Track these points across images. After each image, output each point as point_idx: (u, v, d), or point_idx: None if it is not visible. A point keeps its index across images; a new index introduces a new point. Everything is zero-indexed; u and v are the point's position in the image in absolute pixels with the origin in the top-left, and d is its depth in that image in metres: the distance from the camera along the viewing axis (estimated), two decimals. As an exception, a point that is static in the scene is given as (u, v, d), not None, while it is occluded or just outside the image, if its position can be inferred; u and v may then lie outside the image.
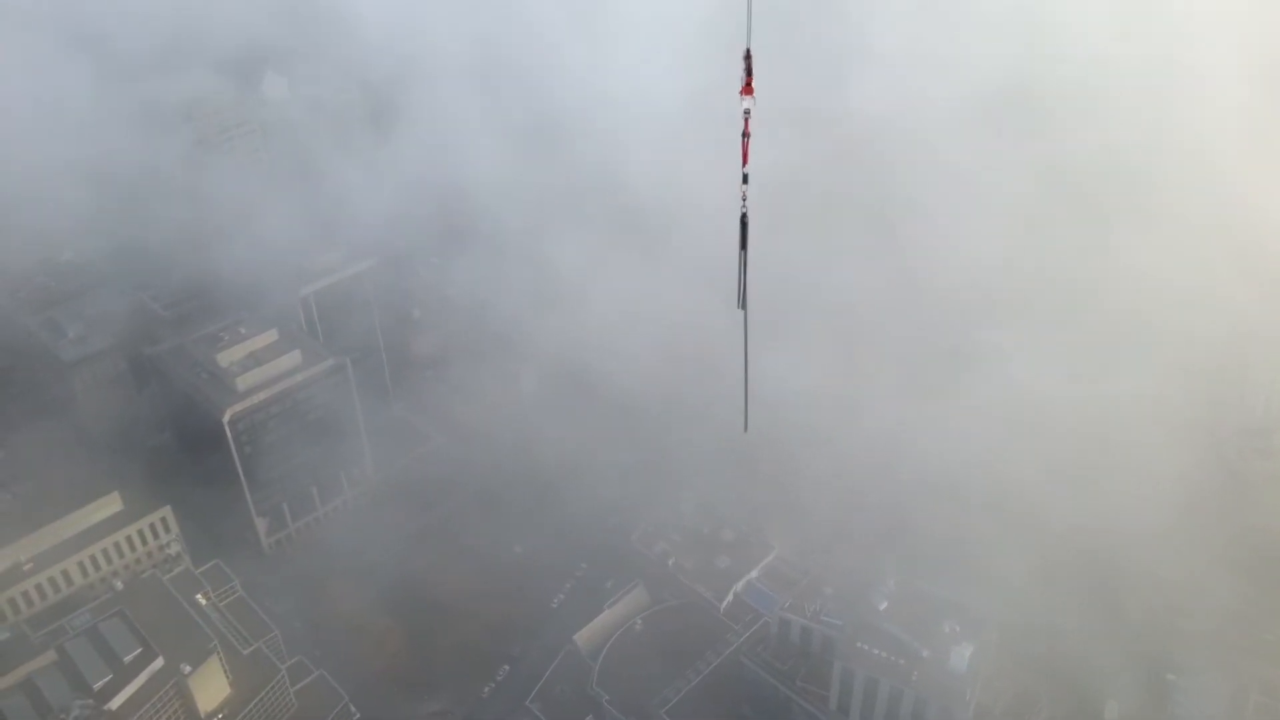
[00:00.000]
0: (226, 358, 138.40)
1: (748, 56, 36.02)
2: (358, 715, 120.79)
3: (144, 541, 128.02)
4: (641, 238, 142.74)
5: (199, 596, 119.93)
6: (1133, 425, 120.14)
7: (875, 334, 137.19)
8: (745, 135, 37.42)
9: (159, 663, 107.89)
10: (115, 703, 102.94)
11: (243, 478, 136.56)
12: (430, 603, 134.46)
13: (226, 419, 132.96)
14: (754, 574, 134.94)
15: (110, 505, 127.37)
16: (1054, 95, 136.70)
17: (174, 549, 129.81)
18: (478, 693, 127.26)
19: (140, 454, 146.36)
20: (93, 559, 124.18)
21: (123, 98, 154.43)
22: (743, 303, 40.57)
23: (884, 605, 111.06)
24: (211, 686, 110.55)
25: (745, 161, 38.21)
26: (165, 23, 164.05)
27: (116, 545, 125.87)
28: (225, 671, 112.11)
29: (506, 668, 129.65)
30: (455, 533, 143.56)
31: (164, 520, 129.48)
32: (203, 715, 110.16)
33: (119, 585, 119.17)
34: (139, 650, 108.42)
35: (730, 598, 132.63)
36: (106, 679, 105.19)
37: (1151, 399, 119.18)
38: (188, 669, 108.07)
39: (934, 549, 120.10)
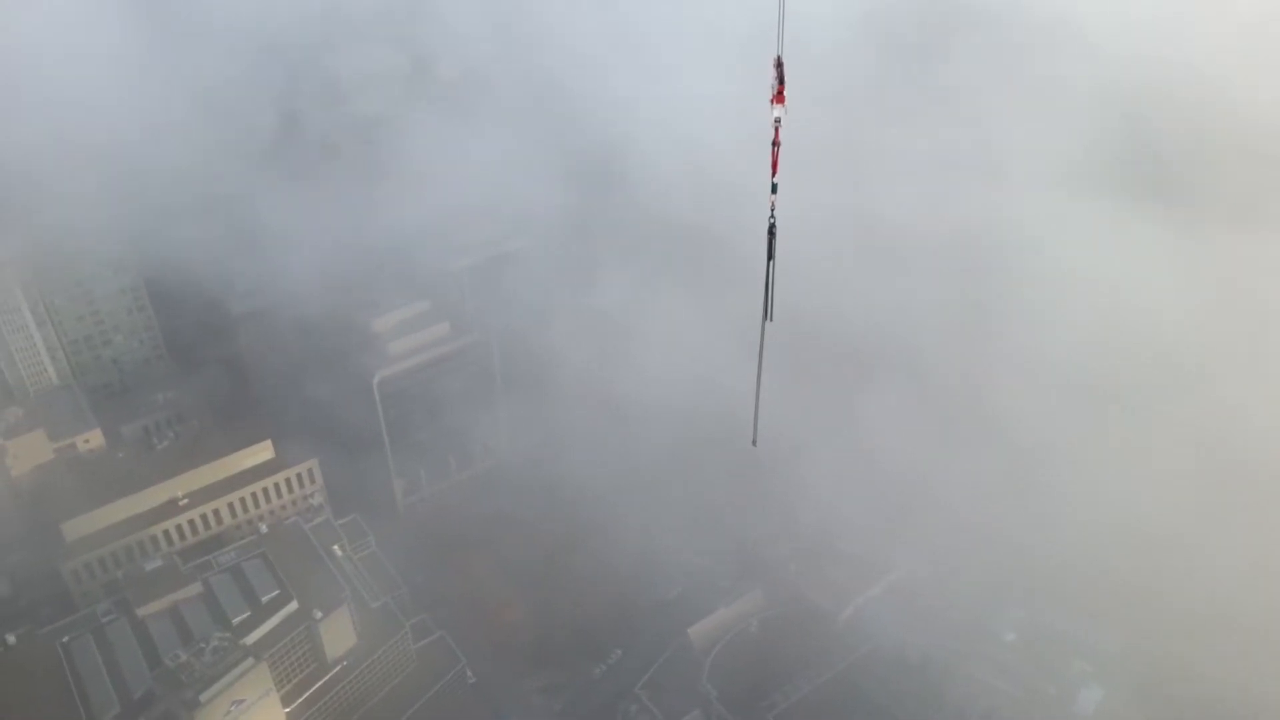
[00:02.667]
0: (381, 323, 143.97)
1: (779, 64, 34.71)
2: (472, 679, 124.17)
3: (290, 490, 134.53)
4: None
5: (335, 547, 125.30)
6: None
7: (1016, 364, 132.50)
8: (775, 144, 36.13)
9: (293, 605, 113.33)
10: (250, 638, 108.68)
11: (386, 439, 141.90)
12: (550, 579, 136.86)
13: (376, 381, 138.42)
14: (876, 590, 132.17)
15: (263, 453, 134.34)
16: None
17: (317, 500, 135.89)
18: (588, 672, 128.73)
19: (294, 408, 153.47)
20: (242, 501, 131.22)
21: (300, 67, 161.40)
22: (769, 315, 39.26)
23: (1010, 636, 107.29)
24: (339, 634, 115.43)
25: (775, 171, 36.98)
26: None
27: (265, 491, 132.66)
28: (353, 621, 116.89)
29: (619, 652, 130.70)
30: (581, 513, 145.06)
31: (310, 472, 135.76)
32: (329, 660, 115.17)
33: (263, 528, 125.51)
34: (276, 592, 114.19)
35: (850, 610, 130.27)
36: (244, 615, 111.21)
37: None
38: (319, 615, 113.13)
39: (1070, 583, 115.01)
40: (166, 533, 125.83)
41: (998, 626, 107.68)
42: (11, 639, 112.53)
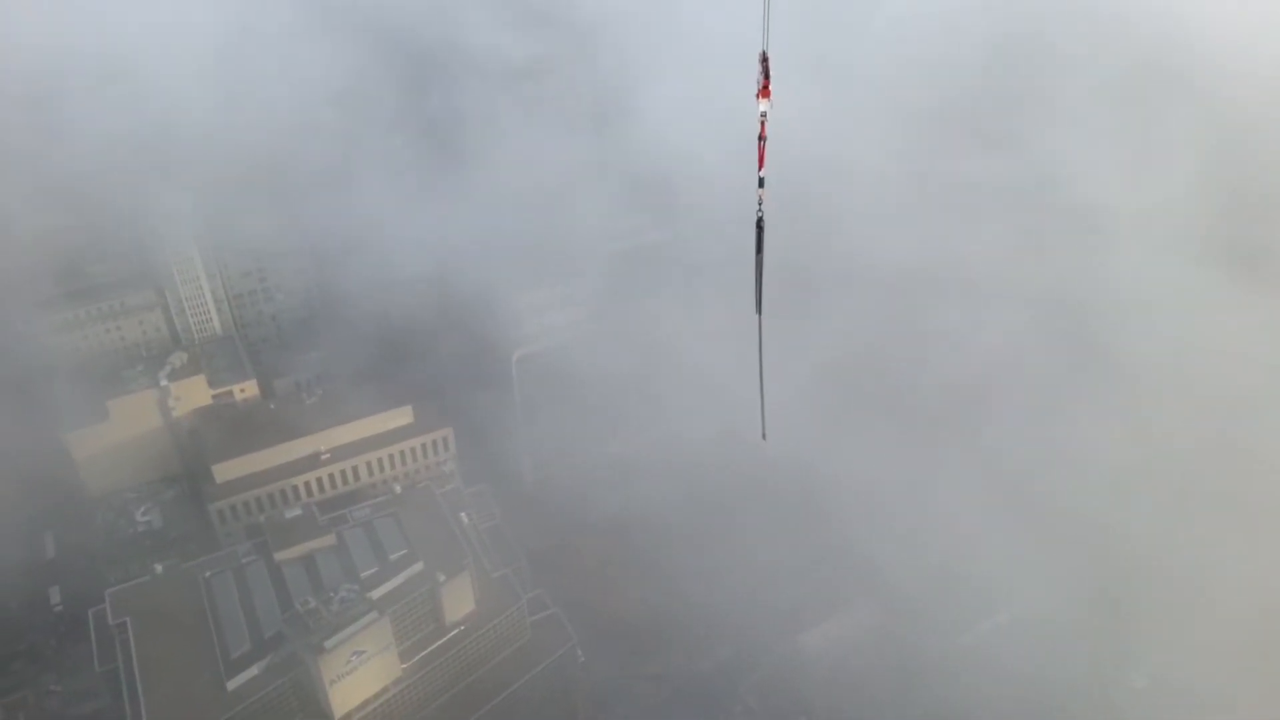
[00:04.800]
0: (525, 301, 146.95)
1: (764, 59, 34.24)
2: (582, 659, 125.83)
3: (425, 455, 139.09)
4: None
5: (463, 515, 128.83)
6: None
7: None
8: (761, 139, 35.85)
9: (419, 566, 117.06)
10: (377, 593, 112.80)
11: (519, 415, 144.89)
12: (666, 570, 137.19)
13: (515, 358, 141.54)
14: (1000, 619, 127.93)
15: (402, 417, 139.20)
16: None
17: (449, 467, 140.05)
18: (696, 667, 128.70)
19: (435, 376, 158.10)
20: (379, 461, 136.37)
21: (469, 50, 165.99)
22: (759, 308, 39.76)
23: (1141, 683, 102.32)
24: (459, 599, 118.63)
25: (761, 166, 36.77)
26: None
27: (401, 453, 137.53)
28: (473, 588, 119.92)
29: (728, 650, 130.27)
30: (705, 508, 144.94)
31: (445, 439, 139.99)
32: (447, 623, 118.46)
33: (397, 489, 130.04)
34: (404, 551, 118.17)
35: (970, 637, 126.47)
36: (373, 570, 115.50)
37: None
38: (442, 578, 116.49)
39: (1211, 636, 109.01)
40: (308, 484, 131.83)
41: (1127, 670, 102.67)
42: (159, 569, 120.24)
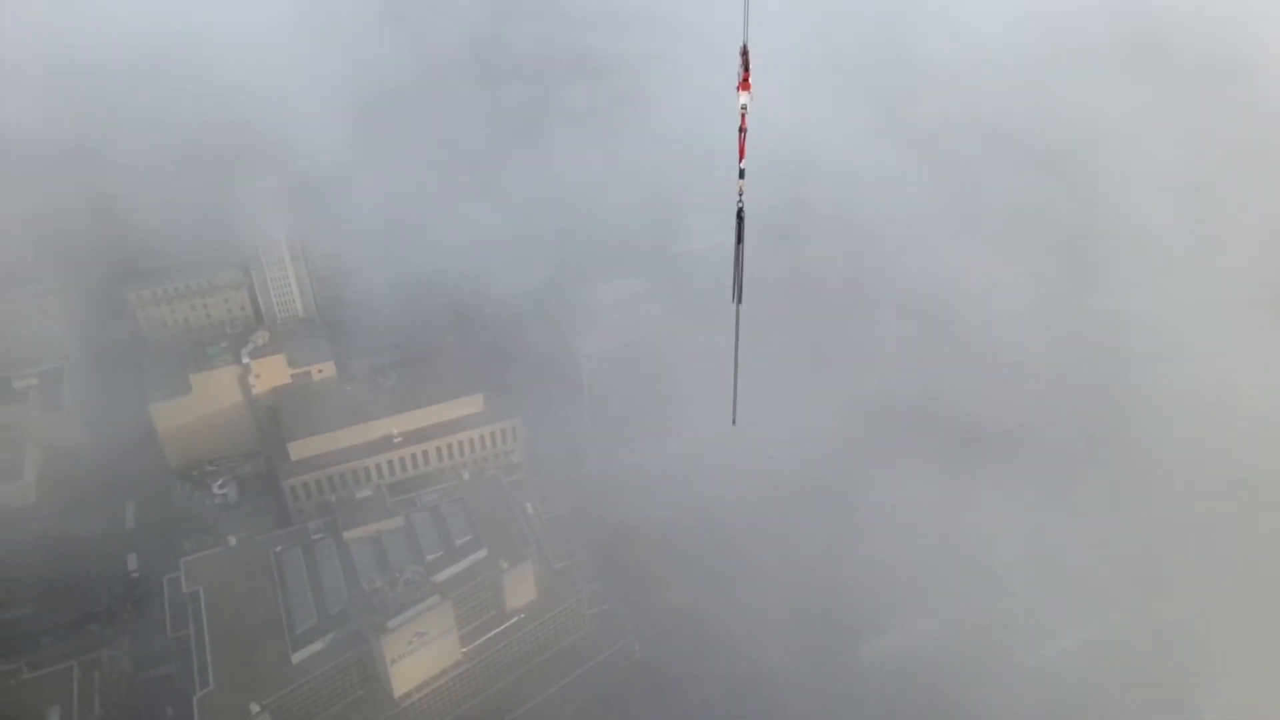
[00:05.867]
0: (596, 298, 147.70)
1: (744, 52, 35.05)
2: (638, 654, 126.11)
3: (494, 443, 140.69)
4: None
5: (527, 505, 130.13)
6: None
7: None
8: (741, 130, 36.61)
9: (483, 553, 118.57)
10: (441, 576, 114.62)
11: (588, 409, 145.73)
12: (725, 570, 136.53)
13: (585, 353, 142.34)
14: (1068, 641, 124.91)
15: (473, 405, 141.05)
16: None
17: (516, 457, 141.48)
18: (751, 671, 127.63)
19: (506, 366, 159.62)
20: (449, 447, 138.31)
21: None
22: (738, 298, 40.34)
23: (1209, 715, 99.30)
24: (521, 587, 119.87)
25: (742, 157, 37.48)
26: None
27: (470, 441, 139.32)
28: (535, 578, 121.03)
29: (784, 654, 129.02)
30: (768, 509, 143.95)
31: (514, 429, 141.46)
32: (507, 611, 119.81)
33: (465, 476, 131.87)
34: (469, 537, 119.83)
35: (1036, 658, 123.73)
36: (438, 554, 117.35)
37: None
38: (505, 566, 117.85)
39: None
40: (379, 466, 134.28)
41: (1196, 703, 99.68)
42: (233, 541, 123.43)
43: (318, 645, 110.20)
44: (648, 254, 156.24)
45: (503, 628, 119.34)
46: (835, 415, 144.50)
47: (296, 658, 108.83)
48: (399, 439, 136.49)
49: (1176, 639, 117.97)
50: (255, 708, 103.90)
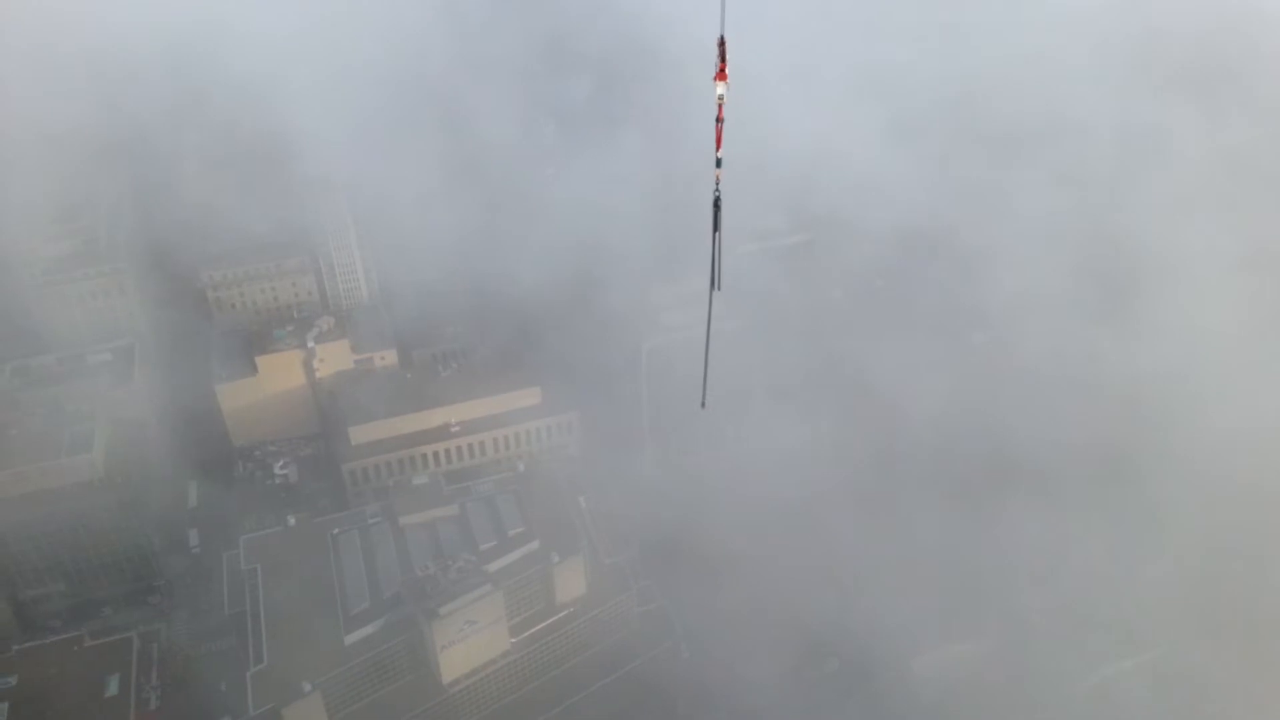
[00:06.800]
0: (656, 295, 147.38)
1: (721, 43, 35.93)
2: (686, 655, 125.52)
3: (550, 436, 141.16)
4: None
5: (581, 499, 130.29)
6: None
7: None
8: (719, 120, 37.21)
9: (535, 545, 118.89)
10: (492, 566, 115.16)
11: (645, 404, 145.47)
12: (778, 573, 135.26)
13: (645, 349, 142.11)
14: (1129, 665, 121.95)
15: (531, 397, 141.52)
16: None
17: (572, 451, 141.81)
18: (800, 676, 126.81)
19: (566, 360, 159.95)
20: (505, 438, 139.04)
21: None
22: (717, 284, 42.05)
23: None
24: (571, 581, 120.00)
25: (719, 146, 38.18)
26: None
27: (527, 433, 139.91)
28: (585, 572, 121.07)
29: (836, 662, 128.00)
30: (824, 516, 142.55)
31: (570, 423, 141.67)
32: (557, 604, 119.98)
33: (520, 467, 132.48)
34: (522, 529, 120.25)
35: (1095, 680, 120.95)
36: (491, 544, 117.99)
37: None
38: (556, 559, 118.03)
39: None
40: (436, 454, 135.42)
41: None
42: (292, 520, 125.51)
43: (370, 628, 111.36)
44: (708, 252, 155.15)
45: (551, 620, 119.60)
46: (883, 431, 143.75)
47: (349, 639, 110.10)
48: (456, 428, 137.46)
49: (1258, 667, 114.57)
50: (307, 686, 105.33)
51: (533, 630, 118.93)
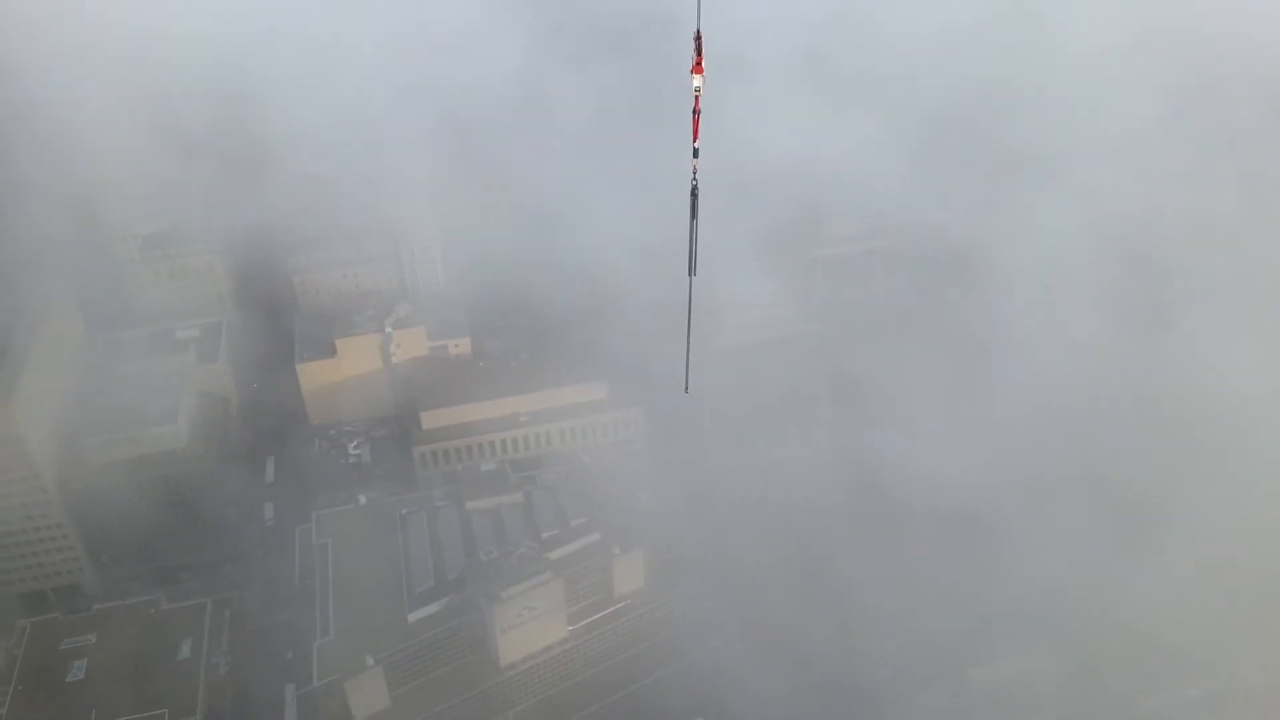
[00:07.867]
0: (729, 298, 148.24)
1: (698, 37, 36.95)
2: (737, 656, 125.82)
3: (614, 430, 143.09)
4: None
5: (643, 493, 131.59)
6: None
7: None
8: (696, 112, 38.62)
9: (595, 536, 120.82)
10: (554, 554, 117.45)
11: (710, 405, 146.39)
12: (830, 579, 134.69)
13: (712, 350, 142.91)
14: (1192, 692, 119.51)
15: (597, 392, 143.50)
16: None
17: (636, 446, 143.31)
18: (851, 684, 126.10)
19: (632, 357, 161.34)
20: (572, 430, 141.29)
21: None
22: (693, 270, 43.39)
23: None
24: (630, 574, 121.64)
25: (696, 137, 39.54)
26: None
27: (593, 426, 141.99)
28: (644, 566, 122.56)
29: (888, 672, 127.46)
30: (885, 524, 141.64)
31: (635, 419, 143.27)
32: (615, 595, 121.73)
33: (585, 460, 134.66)
34: (584, 519, 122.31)
35: (1153, 705, 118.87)
36: (553, 533, 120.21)
37: None
38: (617, 551, 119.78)
39: None
40: (504, 442, 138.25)
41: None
42: (362, 499, 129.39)
43: (433, 607, 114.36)
44: (786, 256, 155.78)
45: (608, 611, 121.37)
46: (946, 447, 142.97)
47: (412, 617, 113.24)
48: (525, 418, 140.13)
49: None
50: (370, 660, 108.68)
51: (590, 620, 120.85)
